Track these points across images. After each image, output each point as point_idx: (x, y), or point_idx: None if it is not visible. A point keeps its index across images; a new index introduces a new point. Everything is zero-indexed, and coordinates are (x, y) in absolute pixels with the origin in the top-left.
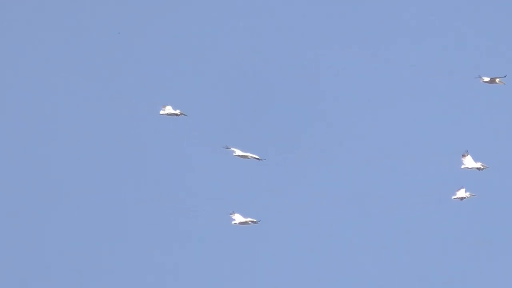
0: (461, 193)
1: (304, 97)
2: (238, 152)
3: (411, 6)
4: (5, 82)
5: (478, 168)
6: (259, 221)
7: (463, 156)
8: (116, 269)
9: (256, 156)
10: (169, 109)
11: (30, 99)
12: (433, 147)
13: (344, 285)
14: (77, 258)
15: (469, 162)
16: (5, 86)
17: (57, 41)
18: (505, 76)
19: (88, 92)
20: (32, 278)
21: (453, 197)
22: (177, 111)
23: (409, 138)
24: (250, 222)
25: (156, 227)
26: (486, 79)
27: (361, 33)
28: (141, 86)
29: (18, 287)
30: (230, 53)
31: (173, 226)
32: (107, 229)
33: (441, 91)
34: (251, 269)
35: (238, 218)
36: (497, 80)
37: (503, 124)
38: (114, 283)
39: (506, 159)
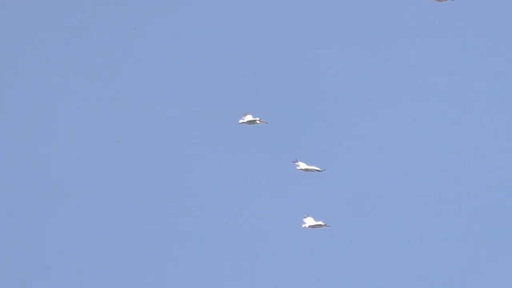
0: None
1: (304, 97)
2: (302, 165)
3: (411, 6)
4: (5, 82)
5: None
6: (328, 225)
7: None
8: (116, 269)
9: (318, 168)
10: (249, 117)
11: (30, 99)
12: (433, 147)
13: (344, 284)
14: (77, 258)
15: None
16: (5, 86)
17: (57, 41)
18: None
19: (88, 92)
20: (32, 278)
21: None
22: (257, 119)
23: (409, 138)
24: (321, 226)
25: (156, 227)
26: None
27: (361, 33)
28: (141, 86)
29: (18, 287)
30: (230, 53)
31: (173, 226)
32: (108, 229)
33: (441, 91)
34: (251, 269)
35: (309, 221)
36: None
37: (503, 124)
38: (114, 283)
39: (506, 158)
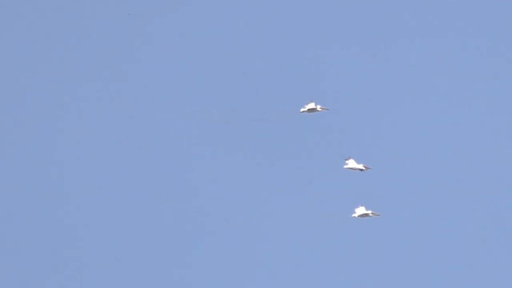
0: None
1: (304, 97)
2: (351, 164)
3: (411, 6)
4: (5, 82)
5: None
6: (378, 214)
7: None
8: (115, 269)
9: (362, 167)
10: (310, 105)
11: (30, 99)
12: (432, 147)
13: (344, 285)
14: (74, 259)
15: None
16: (5, 86)
17: (57, 41)
18: None
19: (88, 92)
20: (33, 278)
21: None
22: (318, 106)
23: (408, 138)
24: (371, 215)
25: (156, 228)
26: None
27: (361, 33)
28: (141, 86)
29: (19, 287)
30: (230, 53)
31: (174, 227)
32: (107, 229)
33: (441, 91)
34: (251, 270)
35: (360, 210)
36: None
37: (503, 124)
38: (113, 283)
39: (506, 158)
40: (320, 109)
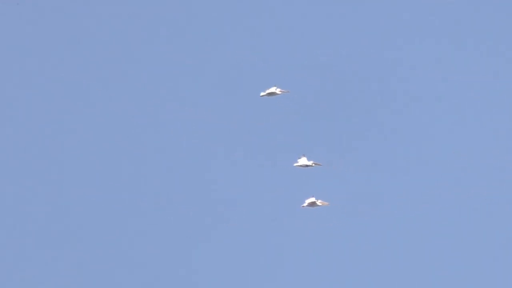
0: None
1: (304, 97)
2: (301, 161)
3: (411, 6)
4: (5, 82)
5: None
6: (327, 203)
7: None
8: (116, 270)
9: (311, 164)
10: (271, 90)
11: (30, 99)
12: (432, 147)
13: (343, 285)
14: (78, 258)
15: None
16: (5, 86)
17: (57, 41)
18: None
19: (88, 92)
20: (33, 278)
21: None
22: (278, 90)
23: (408, 138)
24: (319, 204)
25: (156, 228)
26: None
27: (361, 33)
28: (141, 86)
29: (19, 287)
30: (230, 53)
31: (174, 228)
32: (107, 231)
33: (441, 91)
34: (250, 270)
35: (309, 200)
36: None
37: (503, 124)
38: (114, 284)
39: (506, 158)
40: (280, 92)
